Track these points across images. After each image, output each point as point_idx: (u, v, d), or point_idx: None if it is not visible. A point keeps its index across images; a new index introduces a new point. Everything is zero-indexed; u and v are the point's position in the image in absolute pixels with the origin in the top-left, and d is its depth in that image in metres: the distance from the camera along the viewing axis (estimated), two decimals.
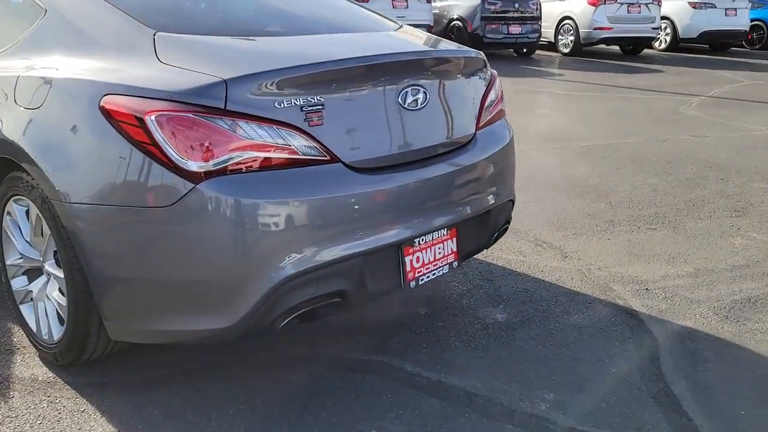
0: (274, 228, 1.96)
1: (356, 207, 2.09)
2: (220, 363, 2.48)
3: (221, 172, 1.92)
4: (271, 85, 1.99)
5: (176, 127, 1.91)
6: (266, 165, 1.98)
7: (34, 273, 2.52)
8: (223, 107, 1.94)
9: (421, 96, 2.32)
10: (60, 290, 2.31)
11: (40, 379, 2.35)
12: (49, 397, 2.25)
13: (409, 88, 2.29)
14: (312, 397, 2.28)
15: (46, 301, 2.38)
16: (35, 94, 2.20)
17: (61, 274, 2.23)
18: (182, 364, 2.46)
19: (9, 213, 2.43)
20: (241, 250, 1.94)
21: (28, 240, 2.39)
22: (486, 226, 2.59)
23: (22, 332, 2.61)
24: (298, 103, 2.03)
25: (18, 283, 2.54)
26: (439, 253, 2.40)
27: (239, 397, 2.27)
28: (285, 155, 2.00)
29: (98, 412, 2.18)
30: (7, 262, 2.53)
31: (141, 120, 1.92)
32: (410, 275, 2.30)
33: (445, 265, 2.43)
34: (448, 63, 2.49)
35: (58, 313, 2.35)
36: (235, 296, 1.97)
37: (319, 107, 2.07)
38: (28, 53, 2.38)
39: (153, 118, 1.91)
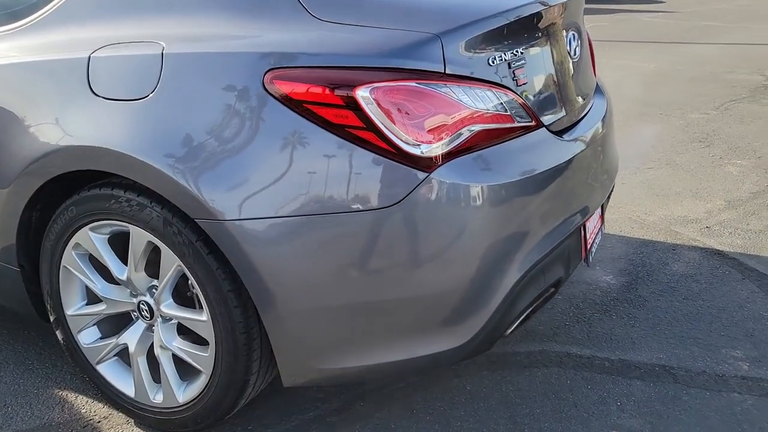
0: (513, 215, 1.59)
1: (568, 178, 1.76)
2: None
3: (454, 153, 1.50)
4: (483, 38, 1.58)
5: (399, 102, 1.45)
6: (491, 138, 1.58)
7: (113, 322, 1.90)
8: (442, 71, 1.51)
9: (575, 43, 2.02)
10: (179, 336, 1.76)
11: None
12: None
13: (571, 34, 1.98)
14: (511, 406, 1.95)
15: (161, 354, 1.79)
16: (133, 78, 1.58)
17: (198, 316, 1.67)
18: (349, 391, 2.00)
19: (77, 246, 1.78)
20: (485, 248, 1.54)
21: (124, 277, 1.76)
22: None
23: (92, 400, 1.99)
24: (506, 59, 1.65)
25: (87, 337, 1.90)
26: (596, 218, 2.14)
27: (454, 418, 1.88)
28: (506, 125, 1.62)
29: None
30: (69, 312, 1.88)
31: (346, 98, 1.44)
32: (586, 249, 2.02)
33: (599, 231, 2.18)
34: (582, 3, 2.20)
35: (174, 365, 1.78)
36: (473, 305, 1.58)
37: (522, 62, 1.70)
38: (93, 21, 1.71)
39: (366, 93, 1.43)
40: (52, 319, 1.92)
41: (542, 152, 1.71)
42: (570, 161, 1.77)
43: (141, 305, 1.79)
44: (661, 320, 2.39)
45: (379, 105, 1.43)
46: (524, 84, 1.69)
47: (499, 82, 1.62)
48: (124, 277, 1.75)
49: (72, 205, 1.73)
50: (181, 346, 1.76)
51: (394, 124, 1.44)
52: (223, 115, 1.50)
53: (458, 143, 1.50)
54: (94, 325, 1.90)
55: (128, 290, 1.80)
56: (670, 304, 2.49)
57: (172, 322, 1.78)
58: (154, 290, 1.76)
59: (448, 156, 1.49)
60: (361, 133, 1.45)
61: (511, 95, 1.64)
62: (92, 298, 1.89)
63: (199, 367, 1.73)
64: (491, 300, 1.59)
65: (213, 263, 1.58)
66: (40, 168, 1.71)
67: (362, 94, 1.43)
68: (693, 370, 2.10)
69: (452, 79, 1.51)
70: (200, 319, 1.67)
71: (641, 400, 1.97)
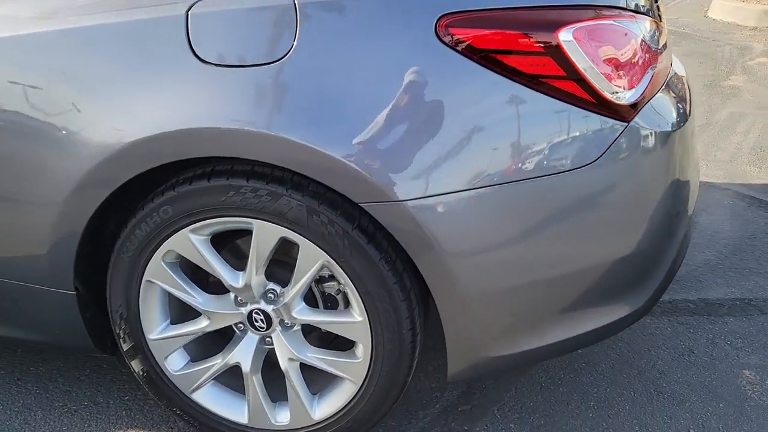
0: (686, 163, 1.49)
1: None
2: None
3: (644, 98, 1.36)
4: None
5: (600, 45, 1.27)
6: (658, 82, 1.46)
7: (201, 341, 1.57)
8: (624, 5, 1.35)
9: None
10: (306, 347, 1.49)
11: None
12: None
13: None
14: (633, 363, 1.88)
15: (289, 368, 1.49)
16: (259, 37, 1.26)
17: (347, 318, 1.41)
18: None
19: (167, 254, 1.43)
20: (673, 199, 1.43)
21: (240, 284, 1.43)
22: None
23: None
24: None
25: (176, 363, 1.56)
26: None
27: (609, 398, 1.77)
28: (667, 68, 1.51)
29: None
30: (153, 336, 1.53)
31: (546, 43, 1.24)
32: None
33: None
34: None
35: (294, 379, 1.51)
36: (657, 263, 1.47)
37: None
38: None
39: (568, 36, 1.24)
40: (125, 348, 1.56)
41: (684, 101, 1.62)
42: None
43: (254, 315, 1.49)
44: (710, 259, 2.44)
45: (582, 49, 1.25)
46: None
47: (659, 21, 1.50)
48: (239, 284, 1.44)
49: (166, 204, 1.38)
50: (319, 355, 1.49)
51: (598, 70, 1.27)
52: (386, 75, 1.24)
53: (644, 88, 1.37)
54: (180, 347, 1.57)
55: (234, 300, 1.50)
56: (709, 243, 2.56)
57: (295, 329, 1.51)
58: (270, 295, 1.47)
59: (641, 101, 1.35)
60: (560, 83, 1.26)
61: (661, 35, 1.52)
62: (178, 316, 1.56)
63: (345, 376, 1.48)
64: (669, 255, 1.50)
65: (375, 253, 1.34)
66: (117, 165, 1.33)
67: (565, 37, 1.24)
68: None
69: (632, 14, 1.36)
70: (352, 320, 1.41)
71: (746, 336, 1.99)
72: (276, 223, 1.35)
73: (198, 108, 1.28)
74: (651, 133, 1.35)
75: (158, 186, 1.42)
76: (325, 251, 1.35)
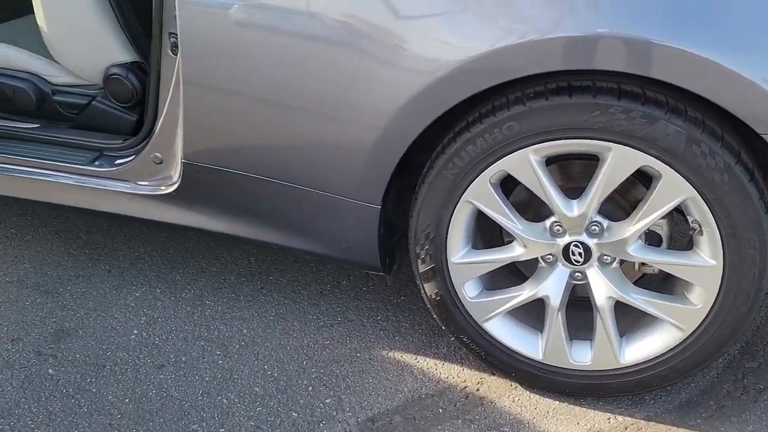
0: None
1: None
2: None
3: None
4: None
5: None
6: None
7: (498, 271, 1.48)
8: None
9: None
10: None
11: None
12: None
13: None
14: None
15: (605, 306, 1.39)
16: None
17: (699, 262, 1.28)
18: None
19: (496, 175, 1.32)
20: None
21: (573, 213, 1.32)
22: None
23: (456, 365, 1.61)
24: None
25: (472, 290, 1.46)
26: None
27: None
28: None
29: None
30: (456, 260, 1.43)
31: None
32: None
33: None
34: None
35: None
36: None
37: None
38: None
39: None
40: (421, 269, 1.47)
41: None
42: None
43: (571, 247, 1.38)
44: None
45: None
46: None
47: None
48: (573, 214, 1.32)
49: (512, 120, 1.25)
50: (644, 296, 1.37)
51: None
52: None
53: None
54: (478, 275, 1.47)
55: (548, 229, 1.38)
56: None
57: (614, 266, 1.39)
58: (594, 228, 1.35)
59: None
60: None
61: None
62: (479, 242, 1.47)
63: (673, 321, 1.36)
64: None
65: (754, 192, 1.19)
66: (461, 80, 1.22)
67: None
68: None
69: None
70: (702, 264, 1.28)
71: None
72: (642, 150, 1.21)
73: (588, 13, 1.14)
74: None
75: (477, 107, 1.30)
76: (694, 185, 1.21)
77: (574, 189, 1.37)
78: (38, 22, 1.77)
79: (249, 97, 1.45)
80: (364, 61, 1.30)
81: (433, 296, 1.50)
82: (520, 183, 1.37)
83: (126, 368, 1.60)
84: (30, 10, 1.85)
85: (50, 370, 1.59)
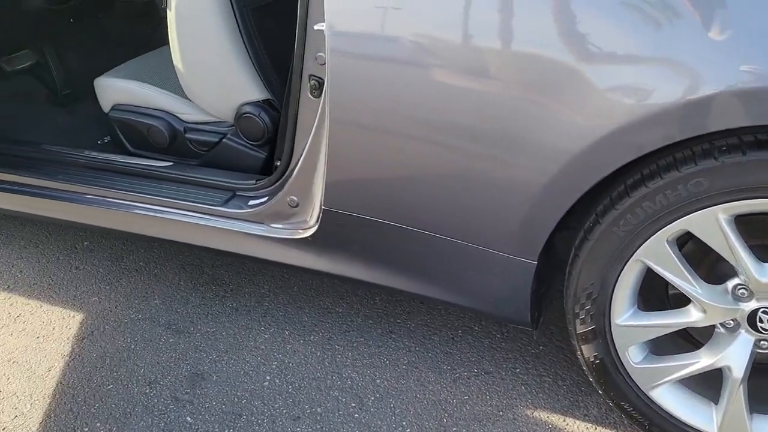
0: None
1: None
2: None
3: None
4: None
5: None
6: None
7: (668, 336, 1.34)
8: None
9: None
10: None
11: None
12: None
13: None
14: None
15: None
16: None
17: None
18: None
19: (673, 234, 1.20)
20: None
21: (764, 278, 1.17)
22: None
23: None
24: None
25: (636, 354, 1.34)
26: None
27: None
28: None
29: None
30: (621, 321, 1.30)
31: None
32: None
33: None
34: None
35: None
36: None
37: None
38: None
39: None
40: (580, 330, 1.35)
41: None
42: None
43: (759, 314, 1.22)
44: None
45: None
46: None
47: None
48: (766, 278, 1.18)
49: (699, 176, 1.12)
50: None
51: None
52: None
53: None
54: (644, 339, 1.34)
55: (731, 293, 1.23)
56: None
57: None
58: None
59: None
60: None
61: None
62: (645, 305, 1.34)
63: None
64: None
65: None
66: (653, 128, 1.10)
67: None
68: None
69: None
70: None
71: None
72: None
73: None
74: None
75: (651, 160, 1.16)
76: None
77: (757, 246, 1.22)
78: (174, 62, 1.77)
79: (401, 138, 1.37)
80: (543, 101, 1.19)
81: (592, 359, 1.38)
82: (692, 239, 1.23)
83: (263, 418, 1.56)
84: (159, 43, 1.86)
85: (188, 418, 1.57)
